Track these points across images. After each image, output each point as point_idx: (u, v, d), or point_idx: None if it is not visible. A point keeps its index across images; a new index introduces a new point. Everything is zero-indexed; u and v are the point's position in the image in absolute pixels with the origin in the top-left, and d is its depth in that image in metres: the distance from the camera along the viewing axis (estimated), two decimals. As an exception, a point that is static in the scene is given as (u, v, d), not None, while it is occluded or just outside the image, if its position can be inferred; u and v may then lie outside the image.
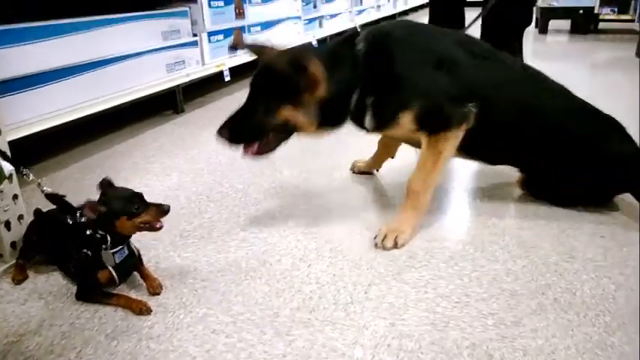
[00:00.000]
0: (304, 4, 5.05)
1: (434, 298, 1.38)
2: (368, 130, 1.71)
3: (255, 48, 1.69)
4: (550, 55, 5.68)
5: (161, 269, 1.54)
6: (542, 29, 7.07)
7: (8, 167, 1.49)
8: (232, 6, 3.83)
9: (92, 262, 1.36)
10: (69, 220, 1.42)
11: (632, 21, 6.35)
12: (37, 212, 1.57)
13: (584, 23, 6.82)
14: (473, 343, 1.21)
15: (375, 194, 2.07)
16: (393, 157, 2.20)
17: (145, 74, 2.94)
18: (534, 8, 6.30)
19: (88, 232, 1.35)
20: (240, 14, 3.93)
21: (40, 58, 2.28)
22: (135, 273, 1.47)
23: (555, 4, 6.96)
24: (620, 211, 1.84)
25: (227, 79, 3.72)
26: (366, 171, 2.24)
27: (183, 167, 2.40)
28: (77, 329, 1.29)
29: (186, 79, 3.34)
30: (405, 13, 10.23)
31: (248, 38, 1.92)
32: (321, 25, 5.59)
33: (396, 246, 1.62)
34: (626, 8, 6.52)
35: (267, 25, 4.32)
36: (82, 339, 1.26)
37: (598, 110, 1.83)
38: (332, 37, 5.98)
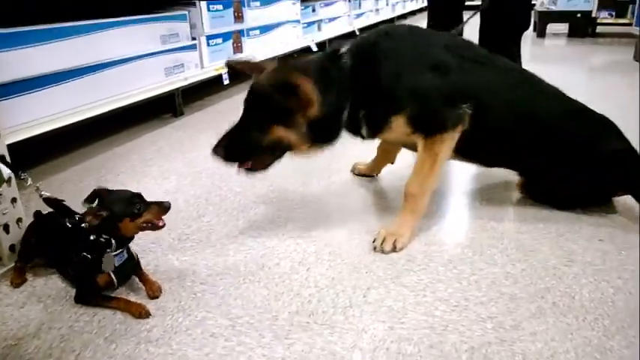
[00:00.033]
0: (303, 7, 5.06)
1: (433, 301, 1.38)
2: (364, 138, 1.71)
3: (242, 67, 1.68)
4: (548, 58, 5.69)
5: (160, 273, 1.54)
6: (540, 33, 7.09)
7: (7, 171, 1.49)
8: (231, 9, 3.83)
9: (92, 265, 1.36)
10: (68, 224, 1.42)
11: (629, 25, 6.37)
12: (37, 214, 1.57)
13: (582, 27, 6.83)
14: (472, 346, 1.21)
15: (374, 198, 2.07)
16: (392, 163, 2.20)
17: (143, 78, 2.94)
18: (532, 12, 6.33)
19: (92, 237, 1.35)
20: (239, 18, 3.94)
21: (39, 61, 2.28)
22: (134, 276, 1.47)
23: (553, 8, 6.98)
24: (618, 214, 1.84)
25: (226, 82, 3.72)
26: (366, 173, 2.25)
27: (181, 170, 2.40)
28: (76, 332, 1.29)
29: (185, 83, 3.34)
30: (404, 16, 10.24)
31: (234, 58, 1.90)
32: (319, 28, 5.60)
33: (394, 249, 1.63)
34: (624, 12, 6.55)
35: (265, 29, 4.32)
36: (81, 342, 1.25)
37: (592, 110, 1.84)
38: (331, 40, 6.00)
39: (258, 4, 4.19)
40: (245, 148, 1.58)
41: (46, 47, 2.32)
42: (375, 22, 7.60)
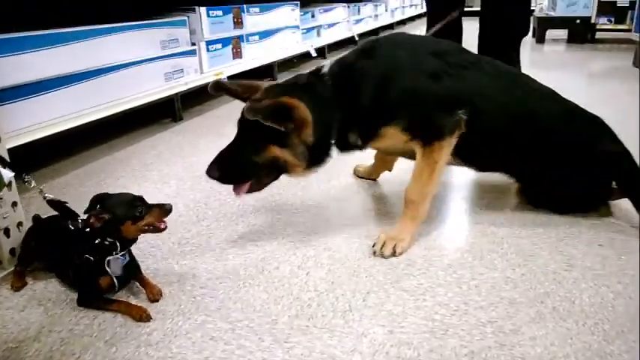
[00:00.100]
0: (302, 13, 5.08)
1: (432, 305, 1.38)
2: (360, 148, 1.72)
3: (234, 90, 1.71)
4: (547, 64, 5.70)
5: (160, 276, 1.54)
6: (540, 39, 7.11)
7: (8, 175, 1.49)
8: (231, 15, 3.85)
9: (94, 267, 1.36)
10: (70, 226, 1.42)
11: (628, 31, 6.38)
12: (36, 218, 1.58)
13: (581, 33, 6.85)
14: (471, 350, 1.21)
15: (374, 202, 2.07)
16: (390, 171, 2.21)
17: (143, 83, 2.95)
18: (531, 18, 6.35)
19: (96, 241, 1.35)
20: (238, 23, 3.96)
21: (39, 66, 2.28)
22: (134, 280, 1.47)
23: (552, 14, 7.01)
24: (618, 219, 1.85)
25: (226, 87, 3.72)
26: (364, 176, 2.26)
27: (181, 175, 2.40)
28: (76, 335, 1.29)
29: (185, 88, 3.35)
30: (403, 22, 10.28)
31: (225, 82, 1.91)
32: (319, 34, 5.62)
33: (394, 254, 1.63)
34: (623, 18, 6.57)
35: (265, 35, 4.34)
36: (81, 345, 1.25)
37: (586, 111, 1.85)
38: (330, 46, 6.02)
39: (257, 9, 4.21)
40: (240, 168, 1.59)
41: (47, 52, 2.32)
42: (373, 27, 7.63)
